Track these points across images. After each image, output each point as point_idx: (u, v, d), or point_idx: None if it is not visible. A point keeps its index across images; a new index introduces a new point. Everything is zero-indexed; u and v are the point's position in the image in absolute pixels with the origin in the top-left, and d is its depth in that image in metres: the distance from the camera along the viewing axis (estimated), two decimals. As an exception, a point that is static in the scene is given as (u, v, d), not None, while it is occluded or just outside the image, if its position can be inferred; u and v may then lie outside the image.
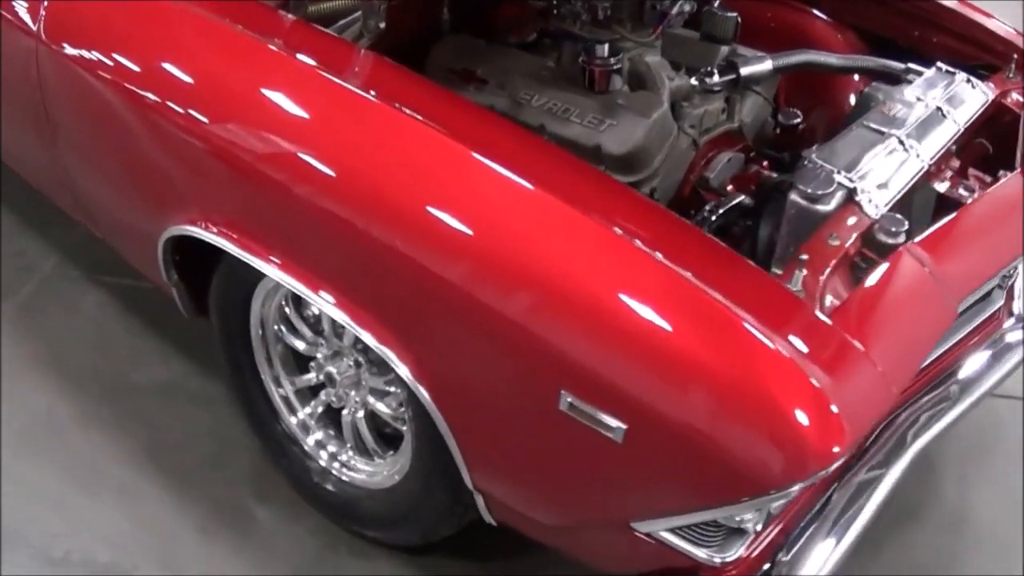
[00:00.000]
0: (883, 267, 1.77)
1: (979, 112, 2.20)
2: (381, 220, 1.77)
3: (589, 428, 1.64)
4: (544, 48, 2.55)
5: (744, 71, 2.28)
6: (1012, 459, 2.72)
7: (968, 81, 2.24)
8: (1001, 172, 2.21)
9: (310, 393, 2.46)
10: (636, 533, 1.77)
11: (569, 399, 1.64)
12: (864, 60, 2.47)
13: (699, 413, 1.54)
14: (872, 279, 1.75)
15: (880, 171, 1.92)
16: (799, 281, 1.72)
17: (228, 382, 2.55)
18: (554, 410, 1.66)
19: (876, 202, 1.86)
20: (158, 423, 2.70)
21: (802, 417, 1.50)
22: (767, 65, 2.31)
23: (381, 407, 2.27)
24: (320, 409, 2.44)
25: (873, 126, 2.03)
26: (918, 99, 2.14)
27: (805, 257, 1.75)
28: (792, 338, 1.58)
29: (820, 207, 1.84)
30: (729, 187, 2.27)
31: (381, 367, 2.21)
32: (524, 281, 1.66)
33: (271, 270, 2.01)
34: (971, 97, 2.21)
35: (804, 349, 1.57)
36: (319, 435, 2.46)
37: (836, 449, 1.51)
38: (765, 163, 2.37)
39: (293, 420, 2.47)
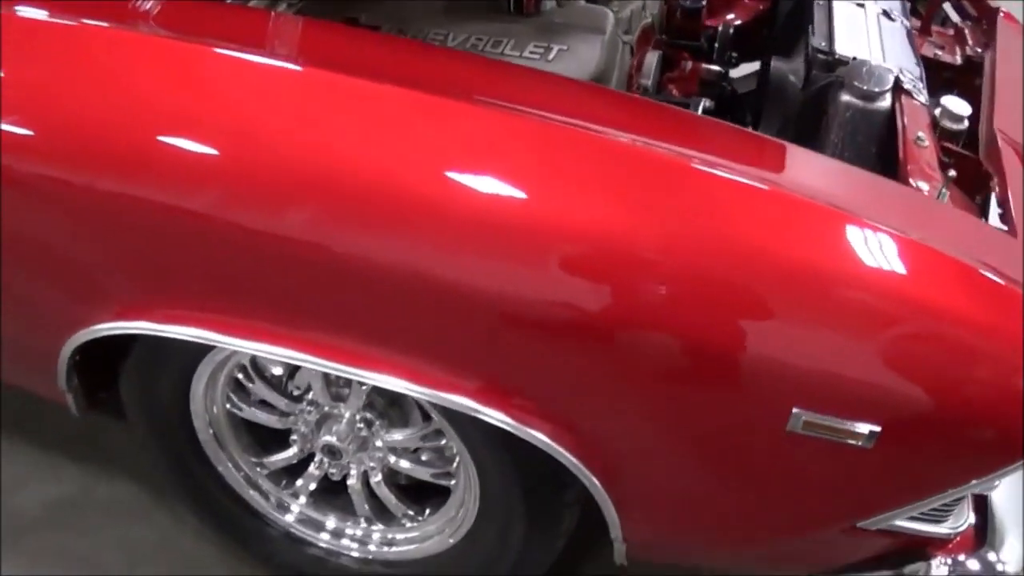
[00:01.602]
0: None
1: None
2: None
3: (826, 441, 1.29)
4: None
5: None
6: None
7: None
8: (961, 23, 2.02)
9: (285, 474, 1.90)
10: (859, 530, 1.42)
11: (804, 417, 1.28)
12: None
13: (961, 384, 1.24)
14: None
15: (894, 49, 1.72)
16: (946, 195, 1.42)
17: (173, 487, 1.95)
18: (780, 434, 1.30)
19: (919, 86, 1.64)
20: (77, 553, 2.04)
21: None
22: None
23: (409, 466, 1.77)
24: (311, 488, 1.88)
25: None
26: None
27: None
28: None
29: (880, 105, 1.57)
30: (672, 90, 2.02)
31: (399, 420, 1.72)
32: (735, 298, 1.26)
33: (272, 350, 1.48)
34: None
35: None
36: (330, 520, 1.91)
37: None
38: (685, 55, 2.14)
39: (289, 517, 1.91)
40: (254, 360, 1.71)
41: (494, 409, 1.41)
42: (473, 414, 1.42)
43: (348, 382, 1.68)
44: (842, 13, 1.83)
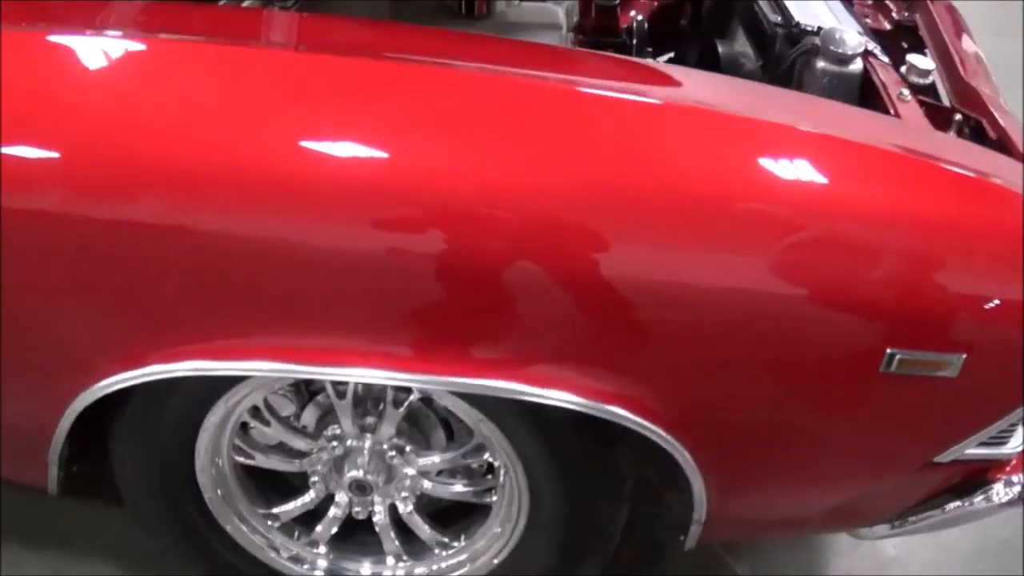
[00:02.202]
0: None
1: None
2: None
3: (917, 378, 1.32)
4: None
5: None
6: None
7: None
8: None
9: (297, 525, 1.78)
10: (933, 466, 1.46)
11: (898, 356, 1.29)
12: None
13: None
14: None
15: (843, 18, 1.78)
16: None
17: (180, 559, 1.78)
18: (873, 375, 1.30)
19: (878, 48, 1.72)
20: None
21: None
22: None
23: (453, 488, 1.68)
24: (332, 532, 1.76)
25: None
26: None
27: None
28: None
29: (854, 68, 1.62)
30: None
31: (423, 442, 1.65)
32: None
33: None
34: None
35: None
36: (364, 567, 1.79)
37: None
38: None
39: (318, 573, 1.78)
40: (266, 400, 1.59)
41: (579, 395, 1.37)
42: (556, 403, 1.37)
43: (379, 408, 1.59)
44: None
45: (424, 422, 1.65)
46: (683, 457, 1.42)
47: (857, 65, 1.62)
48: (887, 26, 2.00)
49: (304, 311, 1.35)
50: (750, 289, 1.26)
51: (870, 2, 2.11)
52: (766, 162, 1.31)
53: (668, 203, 1.25)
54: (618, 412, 1.37)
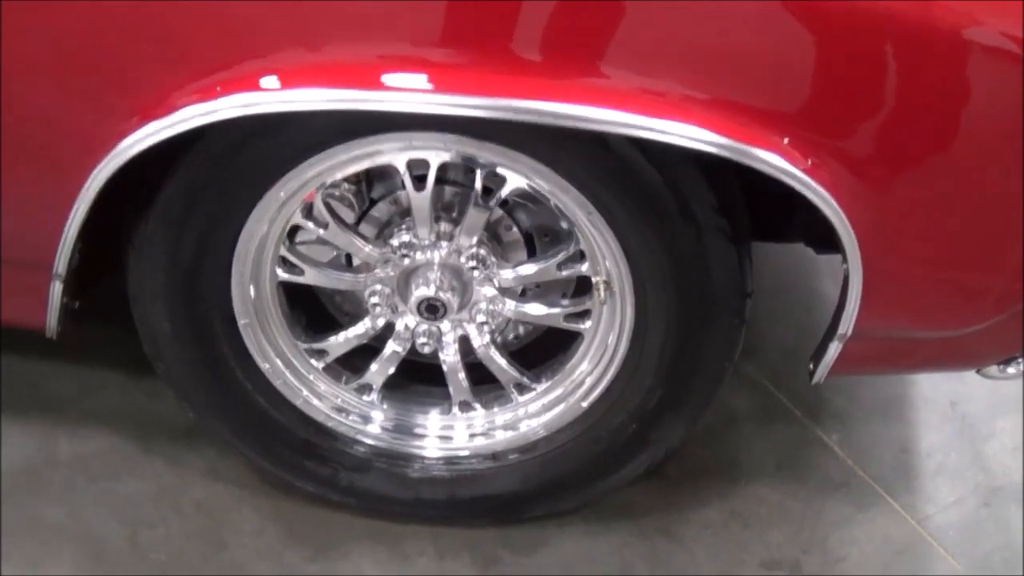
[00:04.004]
0: None
1: None
2: None
3: None
4: None
5: None
6: None
7: None
8: None
9: (343, 367, 1.51)
10: None
11: None
12: None
13: None
14: None
15: None
16: None
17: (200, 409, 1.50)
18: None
19: None
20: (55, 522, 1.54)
21: None
22: None
23: (542, 310, 1.43)
24: (389, 372, 1.49)
25: None
26: None
27: None
28: None
29: None
30: None
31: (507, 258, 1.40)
32: None
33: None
34: None
35: None
36: (434, 420, 1.53)
37: None
38: None
39: (373, 428, 1.52)
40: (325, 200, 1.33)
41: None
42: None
43: (464, 210, 1.33)
44: None
45: (504, 235, 1.40)
46: (847, 235, 1.18)
47: None
48: None
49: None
50: None
51: None
52: None
53: None
54: (777, 162, 1.12)
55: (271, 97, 1.11)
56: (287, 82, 1.10)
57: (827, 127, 1.12)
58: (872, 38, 1.07)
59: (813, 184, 1.13)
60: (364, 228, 1.40)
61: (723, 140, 1.10)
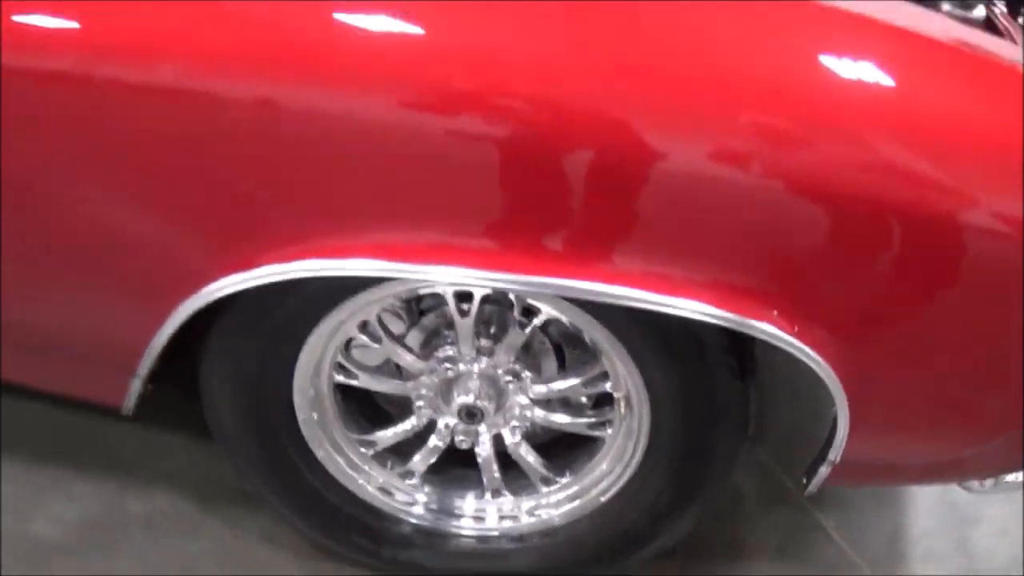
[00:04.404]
0: None
1: None
2: None
3: None
4: None
5: None
6: None
7: None
8: None
9: (391, 454, 1.69)
10: None
11: None
12: None
13: None
14: None
15: None
16: None
17: (263, 487, 1.67)
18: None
19: None
20: None
21: None
22: None
23: (567, 419, 1.61)
24: (431, 462, 1.67)
25: None
26: None
27: None
28: None
29: (977, 14, 1.58)
30: None
31: (535, 369, 1.58)
32: None
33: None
34: None
35: None
36: (469, 502, 1.71)
37: None
38: None
39: (417, 509, 1.70)
40: (379, 316, 1.51)
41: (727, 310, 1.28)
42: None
43: (503, 328, 1.50)
44: None
45: (538, 348, 1.58)
46: (834, 385, 1.35)
47: (980, 11, 1.57)
48: None
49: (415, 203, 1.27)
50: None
51: None
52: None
53: None
54: (769, 330, 1.29)
55: (335, 264, 1.30)
56: (351, 253, 1.29)
57: (816, 302, 1.29)
58: (865, 226, 1.22)
59: (802, 347, 1.29)
60: (412, 335, 1.57)
61: (723, 313, 1.27)
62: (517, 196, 1.24)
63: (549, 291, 1.31)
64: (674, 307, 1.26)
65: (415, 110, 1.20)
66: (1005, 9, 1.70)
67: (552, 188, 1.22)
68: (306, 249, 1.29)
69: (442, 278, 1.31)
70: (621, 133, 1.19)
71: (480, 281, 1.30)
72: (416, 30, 1.21)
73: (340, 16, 1.21)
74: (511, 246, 1.26)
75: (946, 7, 1.58)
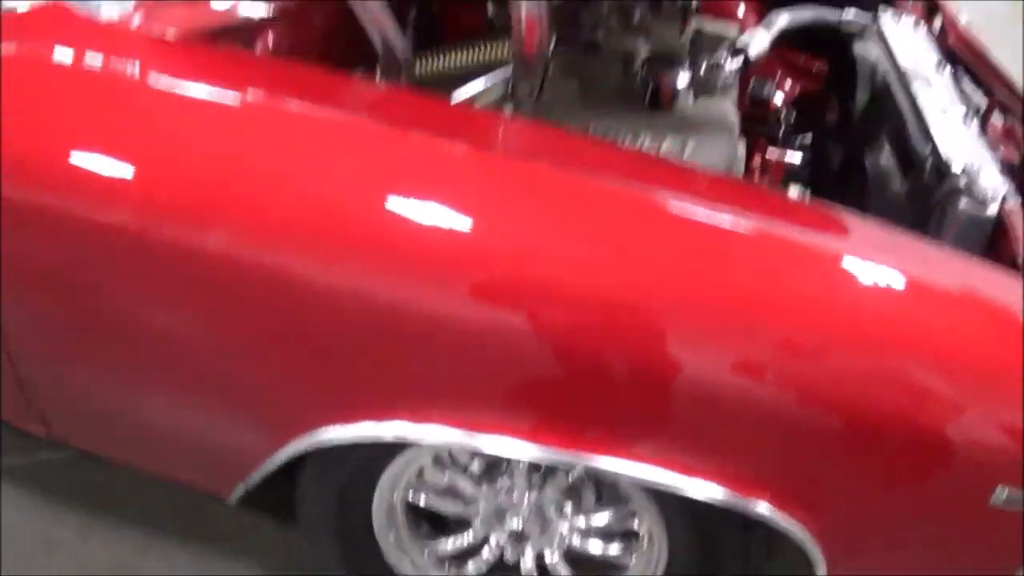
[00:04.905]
0: None
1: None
2: None
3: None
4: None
5: (752, 53, 2.16)
6: None
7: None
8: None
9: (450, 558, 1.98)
10: None
11: (1006, 493, 1.44)
12: (827, 13, 2.39)
13: None
14: None
15: (985, 155, 1.89)
16: None
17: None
18: (983, 509, 1.47)
19: (1011, 188, 1.82)
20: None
21: None
22: (766, 41, 2.19)
23: (595, 546, 1.88)
24: (483, 572, 1.97)
25: (929, 103, 2.02)
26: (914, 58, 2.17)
27: None
28: None
29: (991, 212, 1.75)
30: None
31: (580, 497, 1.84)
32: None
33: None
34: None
35: None
36: None
37: None
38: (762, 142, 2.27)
39: None
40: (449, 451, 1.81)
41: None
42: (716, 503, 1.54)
43: (553, 469, 1.80)
44: (932, 117, 2.00)
45: (579, 484, 1.86)
46: (816, 555, 1.58)
47: (993, 209, 1.75)
48: (1018, 155, 2.10)
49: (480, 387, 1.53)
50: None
51: (1000, 126, 2.22)
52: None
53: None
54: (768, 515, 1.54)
55: (415, 428, 1.58)
56: (429, 420, 1.57)
57: (808, 491, 1.55)
58: (865, 431, 1.45)
59: (789, 526, 1.55)
60: (475, 463, 1.86)
61: (724, 496, 1.52)
62: (564, 387, 1.49)
63: (578, 463, 1.57)
64: (682, 489, 1.52)
65: (483, 304, 1.46)
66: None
67: (592, 383, 1.48)
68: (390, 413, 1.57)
69: (495, 448, 1.58)
70: (658, 341, 1.47)
71: (527, 454, 1.56)
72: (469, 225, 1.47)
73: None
74: (555, 430, 1.53)
75: None
